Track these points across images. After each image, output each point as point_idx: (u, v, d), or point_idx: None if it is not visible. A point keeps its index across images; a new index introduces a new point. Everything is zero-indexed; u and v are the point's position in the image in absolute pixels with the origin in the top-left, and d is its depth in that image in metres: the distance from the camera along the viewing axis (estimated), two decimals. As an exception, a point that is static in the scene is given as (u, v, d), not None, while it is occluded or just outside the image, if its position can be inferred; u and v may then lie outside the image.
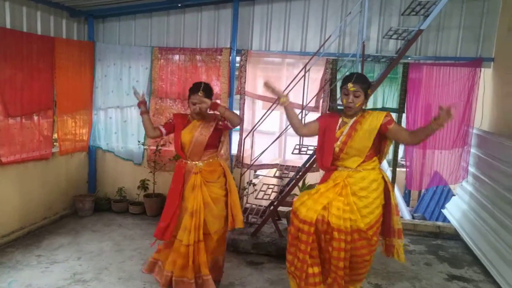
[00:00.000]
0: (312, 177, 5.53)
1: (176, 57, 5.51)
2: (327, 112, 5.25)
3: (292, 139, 4.90)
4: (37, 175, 4.94)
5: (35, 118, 4.78)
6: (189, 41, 5.63)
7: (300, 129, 3.15)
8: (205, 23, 5.58)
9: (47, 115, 4.94)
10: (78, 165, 5.75)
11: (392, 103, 5.29)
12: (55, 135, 5.29)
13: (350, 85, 2.86)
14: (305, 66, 4.25)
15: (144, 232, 5.01)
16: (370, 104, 5.32)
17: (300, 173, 4.57)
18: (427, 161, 5.45)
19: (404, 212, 6.90)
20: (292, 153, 4.50)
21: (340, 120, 3.03)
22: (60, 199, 5.39)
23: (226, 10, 5.46)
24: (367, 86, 2.92)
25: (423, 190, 7.42)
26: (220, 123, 3.36)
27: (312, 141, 5.31)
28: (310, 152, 4.61)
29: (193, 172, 3.36)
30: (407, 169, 5.48)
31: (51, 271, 3.89)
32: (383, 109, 5.36)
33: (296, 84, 4.66)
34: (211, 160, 3.43)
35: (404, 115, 5.31)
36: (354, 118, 2.96)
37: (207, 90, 3.35)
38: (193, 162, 3.40)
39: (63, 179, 5.44)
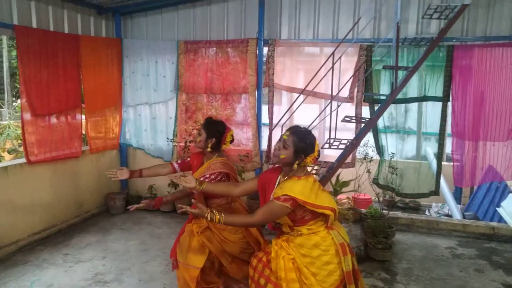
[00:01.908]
0: (348, 174, 5.17)
1: (202, 50, 5.33)
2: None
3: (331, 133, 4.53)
4: (68, 174, 4.97)
5: (64, 116, 4.79)
6: (216, 33, 5.43)
7: (233, 191, 2.81)
8: (232, 14, 5.37)
9: (75, 113, 4.94)
10: (110, 163, 5.74)
11: (435, 91, 4.79)
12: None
13: (286, 133, 2.59)
14: (333, 53, 3.90)
15: (172, 231, 4.89)
16: (414, 93, 4.86)
17: (331, 170, 4.24)
18: (479, 154, 4.90)
19: (454, 210, 6.32)
20: (322, 147, 4.17)
21: (279, 178, 2.71)
22: (92, 197, 5.41)
23: (253, -2, 5.20)
24: (303, 147, 2.53)
25: (475, 187, 6.78)
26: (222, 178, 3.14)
27: (345, 135, 4.96)
28: (343, 146, 4.25)
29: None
30: (456, 164, 4.96)
31: (74, 270, 3.85)
32: (424, 98, 4.87)
33: (326, 73, 4.32)
34: (220, 209, 3.17)
35: (450, 104, 4.80)
36: (286, 178, 2.62)
37: (208, 126, 3.19)
38: None
39: (94, 177, 5.45)
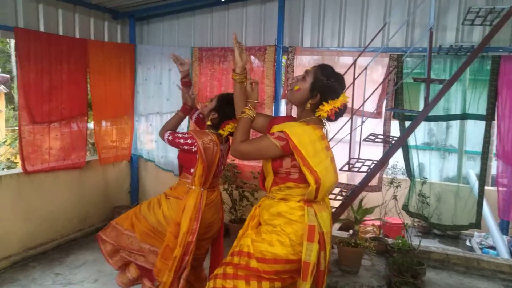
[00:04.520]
0: (373, 198, 4.63)
1: (217, 57, 4.96)
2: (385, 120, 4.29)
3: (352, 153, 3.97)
4: (71, 185, 4.70)
5: (67, 124, 4.53)
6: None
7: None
8: (251, 20, 4.98)
9: (80, 122, 4.68)
10: (119, 175, 5.47)
11: (477, 108, 4.17)
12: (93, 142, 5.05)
13: (310, 68, 2.14)
14: (354, 62, 3.40)
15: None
16: (454, 110, 4.27)
17: (351, 195, 3.71)
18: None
19: (499, 245, 5.49)
20: (340, 169, 3.65)
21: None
22: (97, 210, 5.13)
23: (273, 3, 4.78)
24: (322, 83, 2.05)
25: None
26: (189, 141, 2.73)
27: (373, 151, 4.43)
28: (365, 169, 3.71)
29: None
30: (503, 190, 4.26)
31: (60, 294, 3.54)
32: (465, 116, 4.26)
33: (349, 85, 3.82)
34: (180, 186, 2.86)
35: (494, 124, 4.17)
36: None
37: (222, 101, 2.78)
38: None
39: (101, 189, 5.18)
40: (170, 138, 2.78)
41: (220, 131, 2.82)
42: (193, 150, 2.69)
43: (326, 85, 2.05)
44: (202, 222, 2.73)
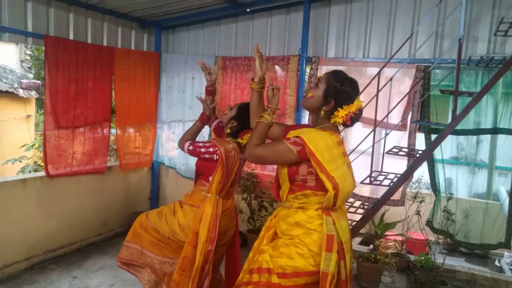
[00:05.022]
0: (396, 212, 4.48)
1: (240, 67, 4.96)
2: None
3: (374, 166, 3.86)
4: (92, 190, 4.76)
5: (90, 130, 4.61)
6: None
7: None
8: (275, 29, 4.96)
9: (103, 127, 4.75)
10: (140, 181, 5.52)
11: (510, 123, 3.99)
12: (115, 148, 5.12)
13: (322, 75, 2.13)
14: (378, 73, 3.32)
15: (193, 261, 4.47)
16: (485, 124, 4.11)
17: (373, 209, 3.60)
18: None
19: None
20: (362, 182, 3.54)
21: None
22: (117, 215, 5.17)
23: (298, 13, 4.76)
24: (335, 89, 2.04)
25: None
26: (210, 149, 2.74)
27: (397, 163, 4.29)
28: (387, 182, 3.60)
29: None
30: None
31: (76, 298, 3.56)
32: (495, 130, 4.08)
33: (373, 97, 3.73)
34: (196, 193, 2.85)
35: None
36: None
37: (243, 109, 2.78)
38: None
39: (122, 195, 5.23)
40: (191, 148, 2.79)
41: (239, 140, 2.81)
42: (215, 158, 2.69)
43: (340, 90, 2.04)
44: (218, 229, 2.70)
